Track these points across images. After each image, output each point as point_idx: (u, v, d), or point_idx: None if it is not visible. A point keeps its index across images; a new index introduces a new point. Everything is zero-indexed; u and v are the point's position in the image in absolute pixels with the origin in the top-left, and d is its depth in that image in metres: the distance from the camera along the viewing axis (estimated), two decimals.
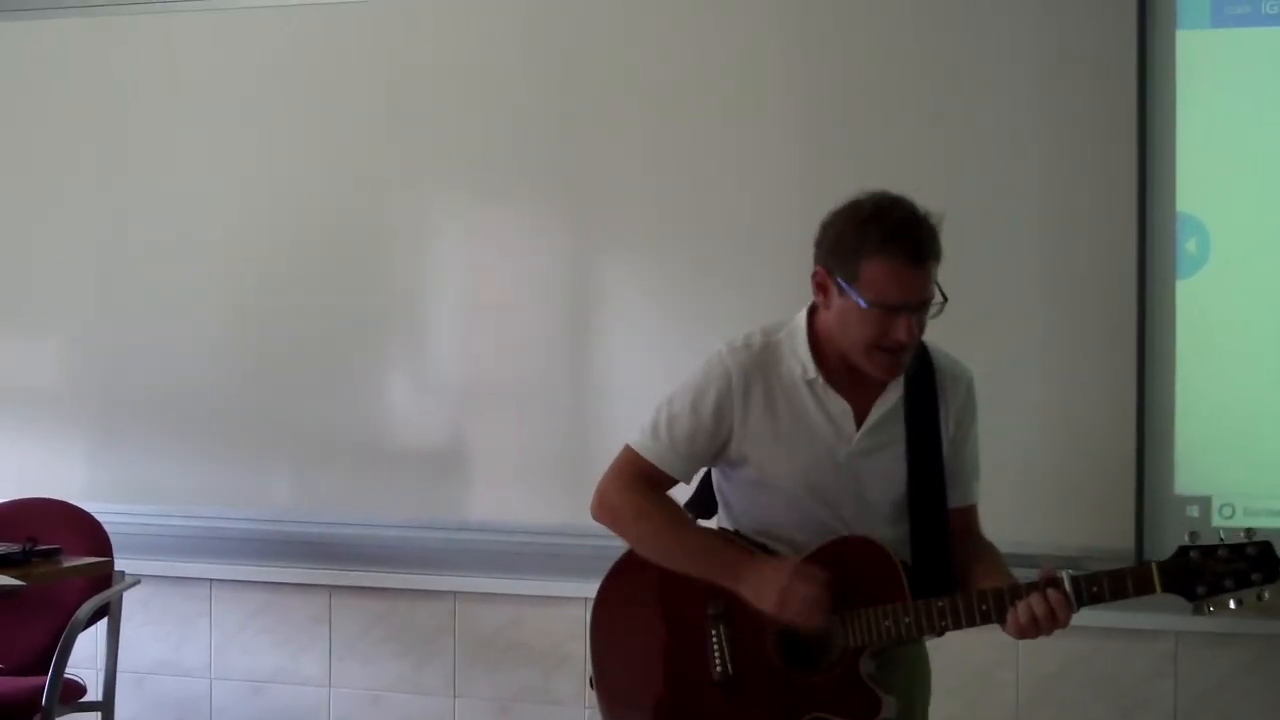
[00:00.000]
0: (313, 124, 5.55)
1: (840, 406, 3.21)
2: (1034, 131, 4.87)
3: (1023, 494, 4.69)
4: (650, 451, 3.27)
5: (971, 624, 3.12)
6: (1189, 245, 4.62)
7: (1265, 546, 2.99)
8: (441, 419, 5.49)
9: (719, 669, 3.23)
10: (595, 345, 5.29)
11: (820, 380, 3.20)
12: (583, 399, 5.26)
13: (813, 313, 3.26)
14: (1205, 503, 4.63)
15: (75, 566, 4.95)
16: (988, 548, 3.35)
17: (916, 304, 3.09)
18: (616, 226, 5.29)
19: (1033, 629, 3.07)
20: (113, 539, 5.31)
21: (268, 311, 5.59)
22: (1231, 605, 2.99)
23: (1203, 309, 4.63)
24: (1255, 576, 2.97)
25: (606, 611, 3.38)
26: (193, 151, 5.66)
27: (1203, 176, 4.63)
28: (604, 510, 3.32)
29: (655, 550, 3.28)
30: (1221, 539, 3.02)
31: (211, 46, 5.66)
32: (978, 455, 3.39)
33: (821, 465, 3.21)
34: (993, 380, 4.83)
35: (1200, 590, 3.00)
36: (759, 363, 3.23)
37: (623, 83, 5.26)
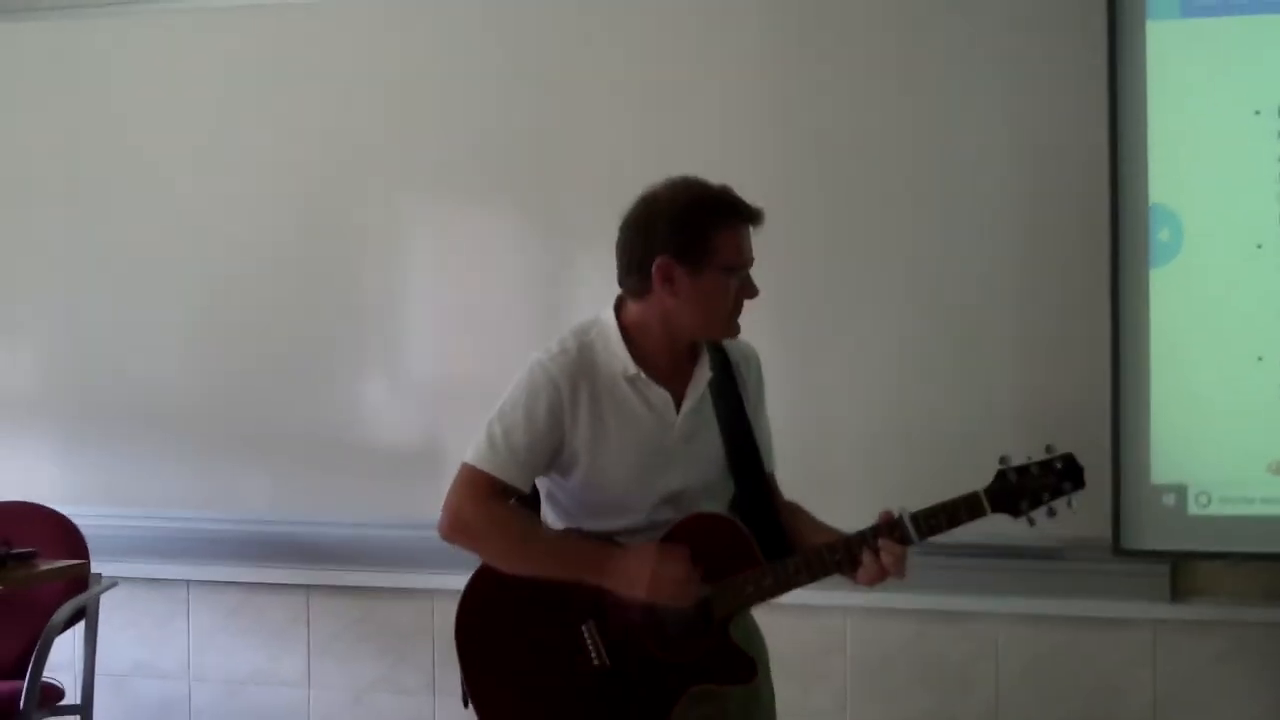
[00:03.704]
0: (286, 126, 5.55)
1: (661, 396, 3.30)
2: (1006, 123, 4.89)
3: None
4: (492, 464, 3.26)
5: (825, 575, 3.27)
6: (1162, 235, 4.64)
7: (1069, 458, 3.26)
8: (418, 418, 5.49)
9: (596, 664, 3.27)
10: None
11: (641, 375, 3.28)
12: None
13: (618, 309, 3.35)
14: (1181, 491, 4.65)
15: (52, 569, 4.94)
16: (797, 507, 3.50)
17: (751, 260, 3.30)
18: (590, 228, 5.23)
19: (879, 574, 3.21)
20: (89, 541, 5.31)
21: (243, 313, 5.58)
22: (1046, 515, 3.24)
23: (1176, 298, 4.64)
24: (1065, 485, 3.24)
25: (471, 631, 3.37)
26: (165, 154, 5.66)
27: (1175, 166, 4.64)
28: (458, 530, 3.29)
29: (518, 560, 3.29)
30: (1029, 458, 3.25)
31: (182, 49, 5.66)
32: (769, 430, 3.52)
33: (652, 456, 3.29)
34: (968, 370, 4.89)
35: (1023, 505, 3.24)
36: (579, 366, 3.28)
37: (596, 84, 5.26)
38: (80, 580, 5.16)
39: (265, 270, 5.56)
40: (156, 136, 5.67)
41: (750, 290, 3.28)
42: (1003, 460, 3.26)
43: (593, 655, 3.27)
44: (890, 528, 3.22)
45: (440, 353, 5.48)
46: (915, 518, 3.22)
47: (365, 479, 5.45)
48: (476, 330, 5.38)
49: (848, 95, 5.02)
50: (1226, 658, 4.82)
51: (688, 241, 3.23)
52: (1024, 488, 3.23)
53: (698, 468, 3.34)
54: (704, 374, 3.34)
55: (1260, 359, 4.57)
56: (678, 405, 3.31)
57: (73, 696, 5.20)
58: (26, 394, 5.86)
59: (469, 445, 3.31)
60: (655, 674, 3.26)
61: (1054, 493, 3.24)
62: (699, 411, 3.34)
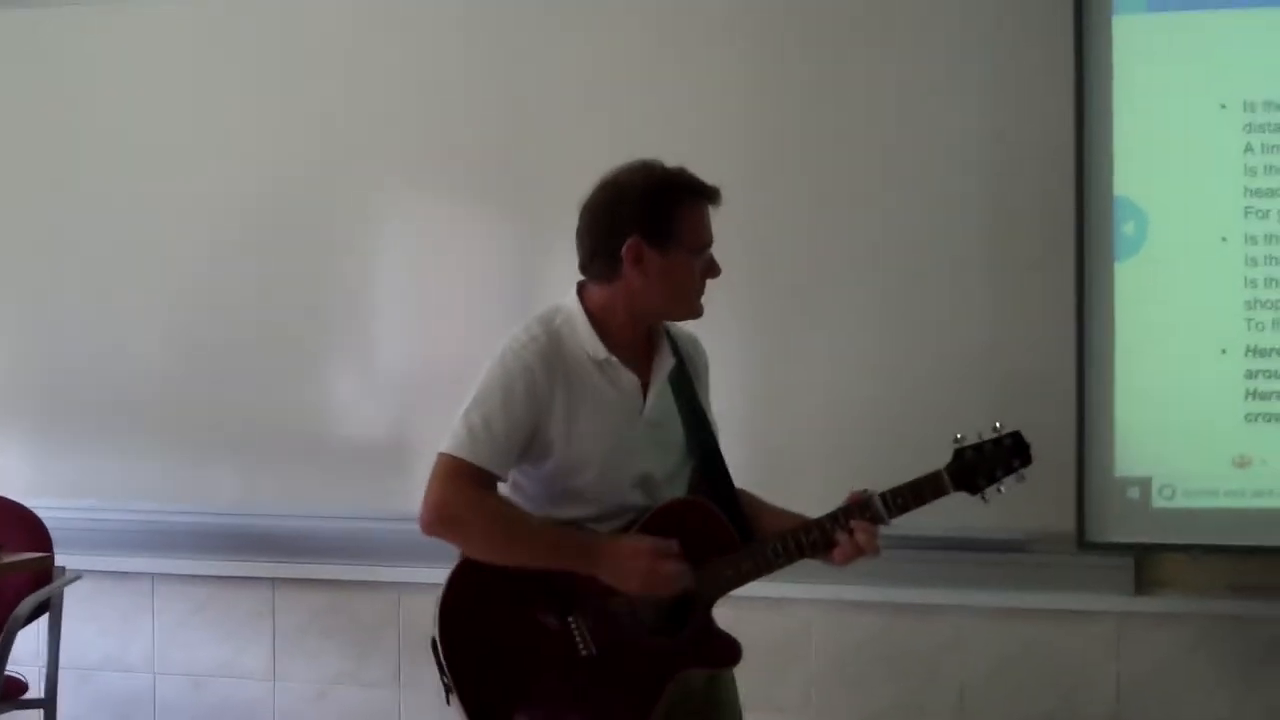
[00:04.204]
0: (259, 118, 5.54)
1: (630, 380, 3.32)
2: (972, 116, 4.90)
3: None
4: (473, 453, 3.23)
5: (801, 557, 3.30)
6: (1126, 228, 4.65)
7: (1016, 435, 3.34)
8: (385, 412, 5.48)
9: (584, 652, 3.26)
10: None
11: (611, 359, 3.30)
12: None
13: (581, 293, 3.38)
14: (1145, 484, 4.67)
15: (14, 562, 4.91)
16: (746, 492, 3.51)
17: (712, 238, 3.35)
18: (563, 221, 5.25)
19: (856, 552, 3.26)
20: (53, 534, 5.27)
21: (210, 305, 5.57)
22: (1001, 490, 3.32)
23: (1141, 291, 4.66)
24: (1015, 462, 3.33)
25: (455, 627, 3.32)
26: (137, 146, 5.64)
27: (1140, 160, 4.66)
28: (443, 521, 3.26)
29: (507, 549, 3.26)
30: (980, 437, 3.32)
31: (158, 41, 5.64)
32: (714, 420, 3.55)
33: (625, 441, 3.30)
34: (933, 363, 4.90)
35: (981, 483, 3.32)
36: (550, 353, 3.28)
37: (567, 77, 5.26)
38: (44, 573, 5.12)
39: (233, 263, 5.54)
40: (129, 131, 5.65)
41: (713, 270, 3.32)
42: (957, 440, 3.33)
43: (580, 645, 3.26)
44: (861, 508, 3.27)
45: (409, 346, 5.47)
46: (884, 497, 3.28)
47: (332, 471, 5.44)
48: (446, 323, 5.37)
49: (814, 91, 5.03)
50: (1191, 650, 4.83)
51: (655, 222, 3.27)
52: (979, 465, 3.30)
53: (664, 453, 3.37)
54: (667, 359, 3.36)
55: (1224, 352, 4.60)
56: (644, 391, 3.33)
57: (37, 690, 5.17)
58: None
59: (444, 438, 3.27)
60: (643, 660, 3.26)
61: (1006, 469, 3.32)
62: (664, 396, 3.36)
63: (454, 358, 5.28)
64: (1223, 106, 4.59)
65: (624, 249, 3.26)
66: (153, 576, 5.67)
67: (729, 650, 3.33)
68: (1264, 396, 4.58)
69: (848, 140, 4.96)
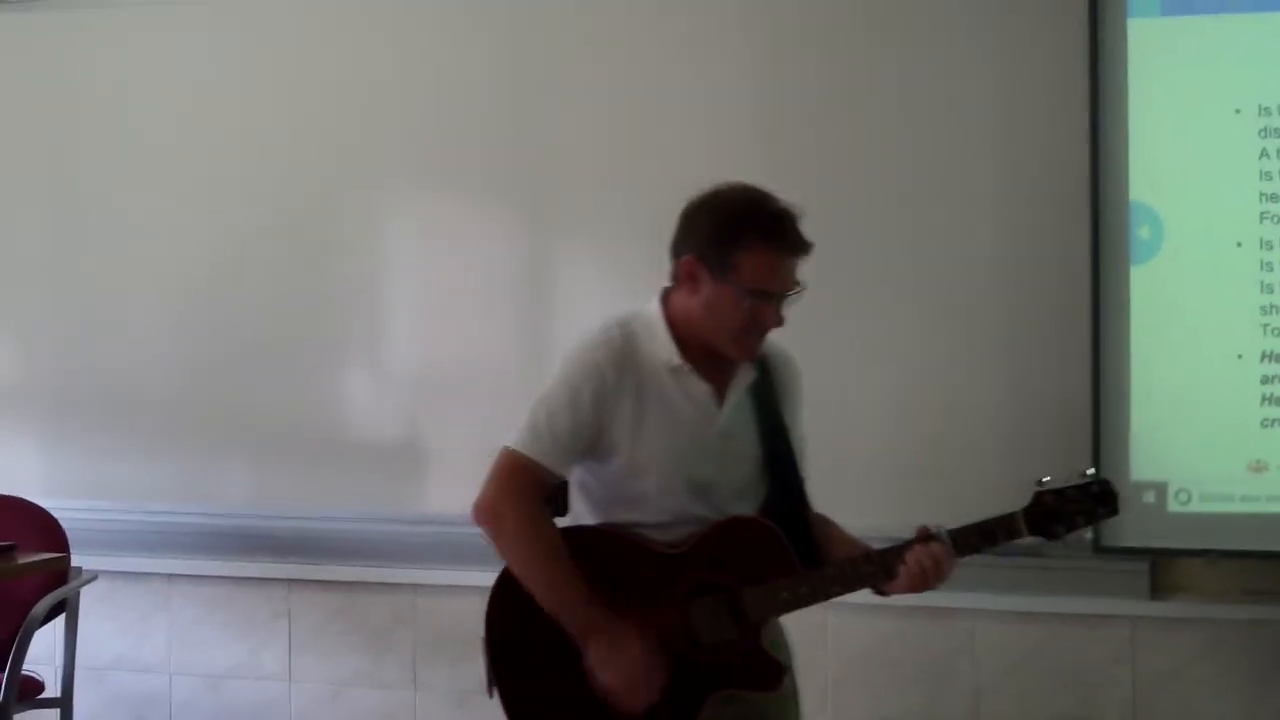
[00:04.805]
0: (267, 117, 5.55)
1: (703, 390, 3.29)
2: (987, 121, 4.89)
3: (977, 482, 4.71)
4: (534, 450, 3.26)
5: (862, 586, 3.28)
6: (1142, 232, 4.64)
7: (1105, 484, 3.28)
8: (398, 412, 5.49)
9: None
10: (551, 337, 5.27)
11: (685, 366, 3.27)
12: (539, 389, 5.24)
13: (665, 301, 3.34)
14: (1161, 489, 4.65)
15: (31, 563, 4.92)
16: (827, 519, 3.46)
17: (786, 291, 3.24)
18: (573, 218, 5.30)
19: (921, 580, 3.21)
20: (70, 535, 5.29)
21: (223, 306, 5.58)
22: (1071, 535, 3.29)
23: (1157, 295, 4.65)
24: (1101, 511, 3.28)
25: (501, 622, 3.35)
26: (145, 145, 5.66)
27: (1155, 164, 4.65)
28: (489, 516, 3.29)
29: (524, 572, 3.27)
30: (1066, 482, 3.25)
31: (166, 39, 5.65)
32: (804, 440, 3.49)
33: (691, 449, 3.28)
34: (948, 370, 4.89)
35: (1059, 530, 3.26)
36: (623, 354, 3.28)
37: (583, 76, 5.26)
38: (60, 574, 5.14)
39: (246, 263, 5.56)
40: (136, 129, 5.67)
41: (769, 319, 3.24)
42: (1040, 483, 3.25)
43: None
44: (926, 542, 3.22)
45: (422, 347, 5.48)
46: (953, 534, 3.23)
47: (347, 473, 5.44)
48: (458, 324, 5.38)
49: (828, 95, 5.02)
50: (1205, 655, 4.82)
51: (716, 248, 3.22)
52: (1060, 511, 3.24)
53: (733, 466, 3.33)
54: (747, 372, 3.33)
55: (1240, 357, 4.58)
56: (719, 401, 3.30)
57: (53, 690, 5.19)
58: (7, 387, 5.86)
59: (513, 430, 3.31)
60: (684, 675, 3.23)
61: (1088, 517, 3.27)
62: (740, 409, 3.33)
63: (466, 357, 5.33)
64: (1238, 111, 4.58)
65: (682, 262, 3.26)
66: (169, 577, 5.69)
67: (770, 675, 3.29)
68: (1279, 402, 4.58)
69: (862, 146, 4.95)
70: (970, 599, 4.91)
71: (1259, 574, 4.76)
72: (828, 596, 3.26)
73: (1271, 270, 4.55)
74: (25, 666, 4.94)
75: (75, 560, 5.20)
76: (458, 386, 5.38)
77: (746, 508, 3.34)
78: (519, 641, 3.33)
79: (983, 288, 4.89)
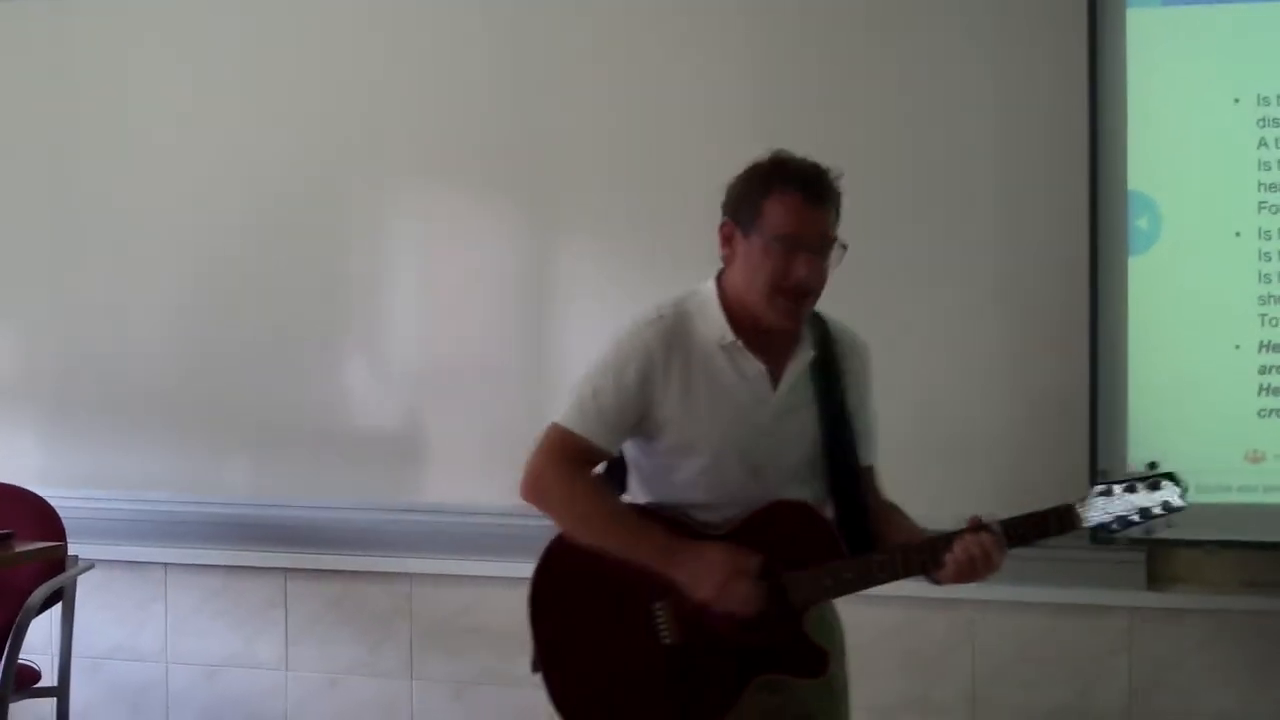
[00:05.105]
0: (270, 112, 5.54)
1: (756, 368, 3.28)
2: (986, 110, 4.89)
3: (976, 470, 4.73)
4: (580, 426, 3.27)
5: (908, 574, 3.23)
6: (1140, 222, 4.64)
7: (1171, 476, 3.18)
8: (397, 402, 5.48)
9: (666, 641, 3.25)
10: (550, 328, 5.28)
11: (737, 343, 3.27)
12: (537, 382, 5.26)
13: (720, 279, 3.34)
14: None
15: (28, 551, 4.92)
16: (894, 505, 3.44)
17: (814, 241, 3.23)
18: (573, 212, 5.29)
19: (969, 570, 3.16)
20: (66, 523, 5.29)
21: (223, 296, 5.58)
22: (1139, 534, 3.20)
23: (1155, 286, 4.65)
24: (1165, 505, 3.17)
25: (545, 596, 3.35)
26: (146, 138, 5.66)
27: (1153, 154, 4.65)
28: (536, 491, 3.31)
29: (589, 532, 3.27)
30: (1130, 475, 3.20)
31: (168, 31, 5.65)
32: (872, 422, 3.47)
33: (742, 428, 3.27)
34: (946, 358, 4.89)
35: (1116, 525, 3.19)
36: (674, 332, 3.29)
37: (586, 71, 5.26)
38: (57, 562, 5.14)
39: (246, 254, 5.55)
40: (140, 121, 5.66)
41: (804, 271, 3.21)
42: (1102, 474, 3.25)
43: (663, 633, 3.25)
44: (977, 531, 3.18)
45: (421, 337, 5.47)
46: (1005, 524, 3.18)
47: (345, 462, 5.45)
48: (458, 315, 5.38)
49: (826, 87, 5.01)
50: (1203, 645, 4.83)
51: (744, 206, 3.28)
52: (1119, 504, 3.18)
53: (787, 446, 3.31)
54: (806, 352, 3.32)
55: (1237, 347, 4.58)
56: (774, 381, 3.29)
57: (49, 679, 5.18)
58: (6, 376, 5.86)
59: (560, 406, 3.32)
60: (725, 657, 3.23)
61: (1149, 512, 3.19)
62: (797, 390, 3.31)
63: (465, 349, 5.33)
64: (1236, 101, 4.57)
65: (719, 228, 3.31)
66: (165, 566, 5.68)
67: (814, 660, 3.27)
68: (1277, 392, 4.56)
69: (858, 138, 4.94)
70: (969, 589, 4.87)
71: (1256, 564, 4.76)
72: (873, 583, 3.23)
73: (1270, 260, 4.55)
74: (21, 655, 4.94)
75: (72, 549, 5.20)
76: (456, 377, 5.38)
77: (802, 491, 3.31)
78: (561, 617, 3.33)
79: (980, 278, 4.89)
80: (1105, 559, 4.78)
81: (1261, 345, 4.57)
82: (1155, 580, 4.84)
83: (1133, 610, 4.86)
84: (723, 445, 3.26)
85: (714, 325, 3.28)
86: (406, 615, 5.44)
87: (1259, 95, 4.57)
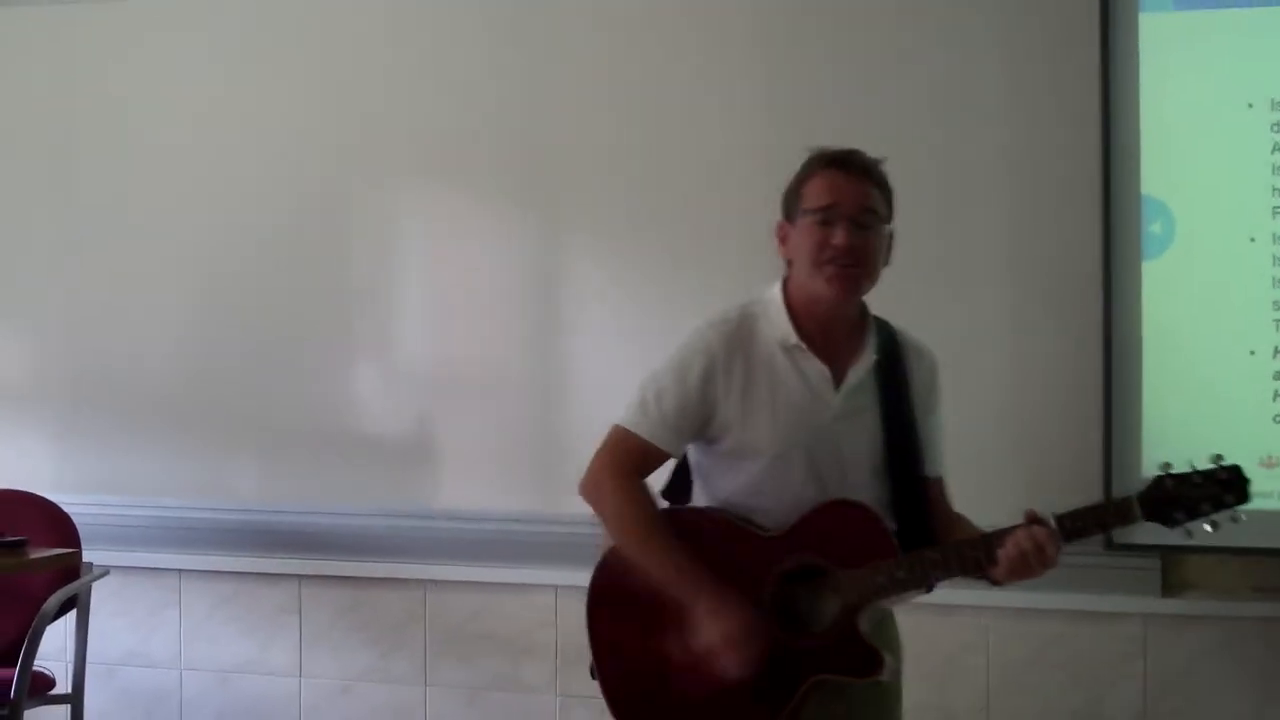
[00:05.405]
0: (278, 116, 5.55)
1: (819, 370, 3.27)
2: (998, 115, 4.89)
3: (991, 474, 4.70)
4: (641, 427, 3.29)
5: (962, 573, 3.18)
6: (1154, 227, 4.64)
7: (1236, 470, 3.10)
8: (410, 408, 5.48)
9: None
10: (562, 334, 5.29)
11: (800, 344, 3.26)
12: (550, 387, 5.26)
13: (785, 284, 3.34)
14: None
15: (43, 558, 4.94)
16: (961, 518, 3.40)
17: (852, 210, 3.23)
18: (584, 216, 5.30)
19: (1023, 566, 3.11)
20: (81, 530, 5.31)
21: (235, 302, 5.58)
22: (1207, 529, 3.09)
23: (1169, 291, 4.64)
24: (1229, 499, 3.08)
25: (602, 599, 3.36)
26: (158, 143, 5.66)
27: (1167, 159, 4.65)
28: (592, 495, 3.33)
29: (627, 547, 3.29)
30: (1193, 467, 3.10)
31: (173, 35, 5.66)
32: (940, 434, 3.45)
33: (803, 430, 3.26)
34: (960, 362, 4.85)
35: (1179, 516, 3.10)
36: (738, 335, 3.29)
37: (590, 73, 5.27)
38: (72, 569, 5.16)
39: (258, 259, 5.56)
40: (149, 125, 5.67)
41: (836, 238, 3.20)
42: (1163, 466, 3.15)
43: None
44: (1029, 525, 3.13)
45: (432, 341, 5.48)
46: (1060, 519, 3.12)
47: (358, 468, 5.45)
48: (468, 319, 5.39)
49: (838, 88, 5.01)
50: (1217, 651, 4.81)
51: (788, 198, 3.33)
52: (1182, 496, 3.10)
53: (848, 449, 3.28)
54: (869, 355, 3.31)
55: (1252, 353, 4.58)
56: (837, 383, 3.28)
57: (64, 685, 5.20)
58: (19, 382, 5.86)
59: (623, 406, 3.34)
60: (780, 658, 3.20)
61: (1215, 504, 3.09)
62: (860, 393, 3.30)
63: (476, 353, 5.34)
64: (1250, 105, 4.57)
65: (775, 230, 3.34)
66: (179, 572, 5.69)
67: (867, 661, 3.22)
68: None
69: (870, 142, 4.92)
70: (983, 595, 4.87)
71: (1270, 571, 4.75)
72: (927, 581, 3.20)
73: None
74: (36, 662, 4.95)
75: (86, 555, 5.22)
76: (468, 382, 5.38)
77: (864, 493, 3.28)
78: (615, 620, 3.34)
79: (995, 283, 4.89)
80: (1120, 565, 4.77)
81: (1276, 350, 4.56)
82: (1169, 587, 4.83)
83: (1146, 617, 4.85)
84: (782, 446, 3.25)
85: (777, 327, 3.29)
86: (420, 621, 5.43)
87: (1272, 100, 4.56)
